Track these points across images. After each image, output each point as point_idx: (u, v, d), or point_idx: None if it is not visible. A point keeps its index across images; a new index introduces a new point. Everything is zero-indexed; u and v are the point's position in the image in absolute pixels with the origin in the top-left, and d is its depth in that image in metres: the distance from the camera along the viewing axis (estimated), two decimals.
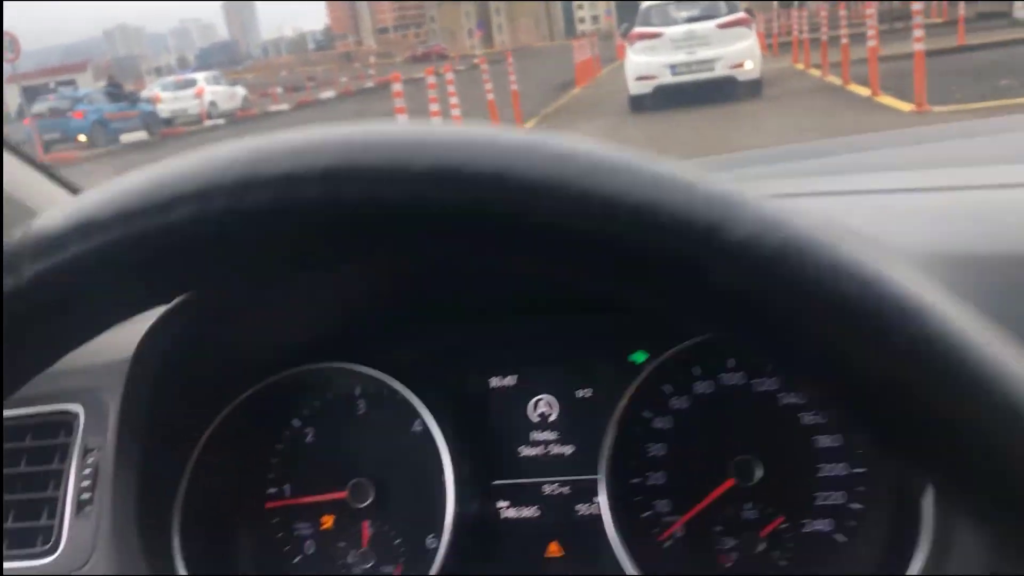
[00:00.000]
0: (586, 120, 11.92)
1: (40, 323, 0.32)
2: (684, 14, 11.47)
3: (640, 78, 11.12)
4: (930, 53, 14.38)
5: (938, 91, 9.74)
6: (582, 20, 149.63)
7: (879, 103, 9.62)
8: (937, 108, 8.42)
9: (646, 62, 11.07)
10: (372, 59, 55.35)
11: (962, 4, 18.30)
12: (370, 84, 31.86)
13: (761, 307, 0.28)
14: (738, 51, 11.01)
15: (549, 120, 12.90)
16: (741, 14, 11.44)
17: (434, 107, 9.12)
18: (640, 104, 11.29)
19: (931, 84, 10.34)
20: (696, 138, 8.68)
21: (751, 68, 11.10)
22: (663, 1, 11.98)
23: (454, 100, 9.83)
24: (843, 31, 12.57)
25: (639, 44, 11.25)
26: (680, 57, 10.94)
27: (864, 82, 10.52)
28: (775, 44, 22.53)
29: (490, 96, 11.10)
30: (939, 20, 28.00)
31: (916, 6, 8.93)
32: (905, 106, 8.90)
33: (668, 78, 11.00)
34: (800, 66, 16.04)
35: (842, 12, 12.50)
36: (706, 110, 10.35)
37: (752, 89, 11.29)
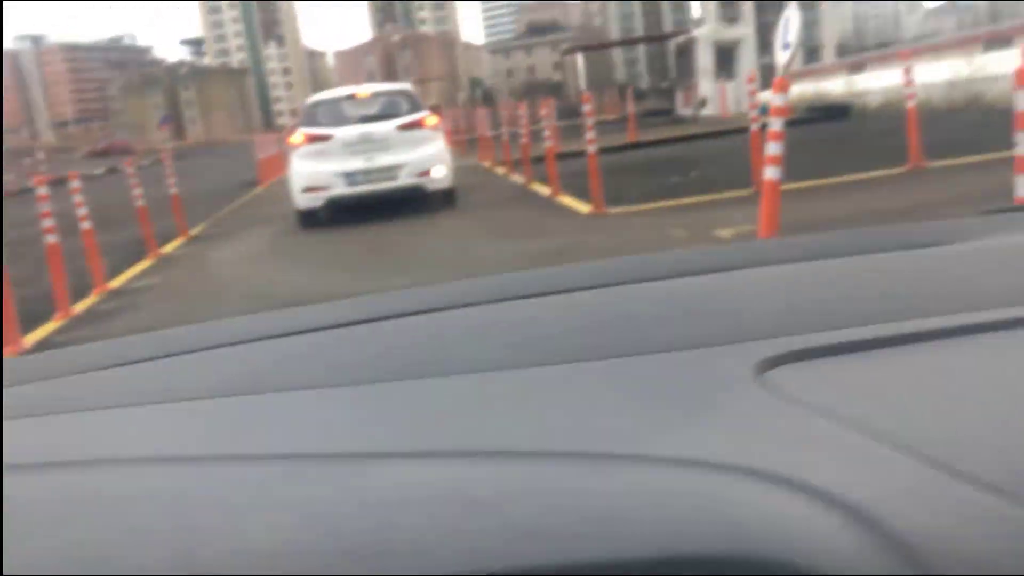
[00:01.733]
0: (252, 230, 10.42)
1: None
2: (358, 112, 10.04)
3: (308, 190, 9.40)
4: (605, 150, 15.08)
5: (615, 189, 9.76)
6: (280, 113, 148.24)
7: (559, 204, 9.38)
8: (613, 209, 8.23)
9: (314, 171, 9.41)
10: (41, 155, 49.70)
11: (632, 104, 19.52)
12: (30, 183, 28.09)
13: None
14: (425, 156, 9.62)
15: (220, 225, 11.45)
16: (425, 113, 10.13)
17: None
18: (311, 219, 9.55)
19: (610, 181, 10.45)
20: (368, 258, 7.74)
21: (442, 176, 9.71)
22: (332, 96, 10.56)
23: (83, 211, 8.06)
24: (523, 130, 12.55)
25: (305, 149, 9.55)
26: (356, 164, 9.40)
27: (547, 181, 10.34)
28: (463, 141, 22.91)
29: (139, 203, 9.32)
30: (612, 117, 30.35)
31: (587, 107, 8.75)
32: (584, 207, 8.66)
33: (342, 189, 9.38)
34: (487, 164, 16.09)
35: (521, 112, 12.47)
36: (387, 225, 9.10)
37: (444, 198, 9.95)
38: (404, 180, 9.51)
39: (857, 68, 46.05)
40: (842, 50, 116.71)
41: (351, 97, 10.19)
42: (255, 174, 20.03)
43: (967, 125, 11.70)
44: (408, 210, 9.55)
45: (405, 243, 7.96)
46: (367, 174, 9.43)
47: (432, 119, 10.06)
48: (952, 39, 45.72)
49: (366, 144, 9.47)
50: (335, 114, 9.96)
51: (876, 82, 26.66)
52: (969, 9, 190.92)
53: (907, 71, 8.65)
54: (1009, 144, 9.11)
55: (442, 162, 9.78)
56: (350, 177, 9.38)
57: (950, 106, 15.70)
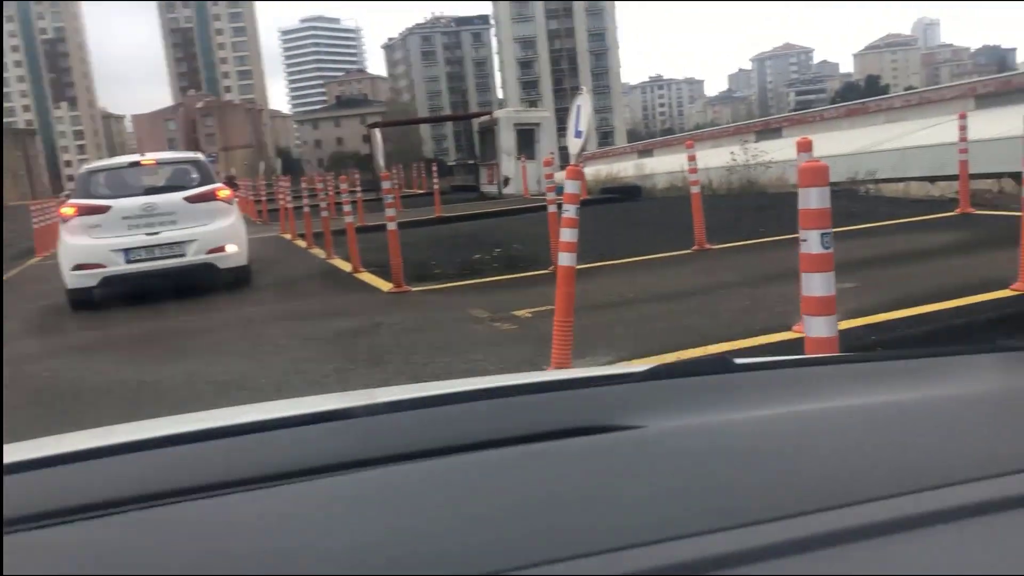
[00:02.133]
0: (13, 312, 9.30)
1: None
2: (141, 182, 9.25)
3: (79, 267, 8.40)
4: (412, 224, 15.03)
5: (419, 265, 9.64)
6: (70, 178, 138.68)
7: (359, 281, 9.11)
8: (415, 288, 8.08)
9: (87, 246, 8.44)
10: None
11: (437, 179, 19.69)
12: None
13: None
14: (217, 232, 8.87)
15: None
16: (218, 184, 9.44)
17: None
18: (83, 300, 8.51)
19: (414, 257, 10.32)
20: (141, 345, 7.12)
21: (235, 252, 8.97)
22: (111, 163, 9.65)
23: None
24: (323, 202, 12.24)
25: (77, 221, 8.57)
26: (137, 239, 8.55)
27: (348, 256, 10.05)
28: (264, 211, 22.18)
29: None
30: (420, 191, 30.55)
31: (386, 185, 8.61)
32: (385, 284, 8.45)
33: (120, 267, 8.47)
34: (287, 236, 15.57)
35: (318, 186, 12.17)
36: (171, 306, 8.25)
37: (239, 276, 9.20)
38: (193, 257, 8.76)
39: (646, 152, 49.38)
40: (632, 135, 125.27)
41: (134, 165, 9.39)
42: (32, 243, 18.33)
43: (744, 209, 12.61)
44: (197, 290, 8.92)
45: (188, 326, 7.38)
46: (149, 250, 8.63)
47: (225, 191, 9.46)
48: (729, 128, 50.10)
49: (149, 217, 8.69)
50: (115, 183, 9.12)
51: (662, 165, 28.54)
52: (743, 101, 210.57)
53: (691, 158, 9.19)
54: (781, 229, 9.90)
55: (236, 238, 9.13)
56: (129, 254, 8.55)
57: (729, 189, 16.97)
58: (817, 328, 2.81)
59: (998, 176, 17.07)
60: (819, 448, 0.80)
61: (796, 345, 4.64)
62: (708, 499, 0.69)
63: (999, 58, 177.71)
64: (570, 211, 4.22)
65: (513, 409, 0.99)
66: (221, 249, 8.92)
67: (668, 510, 0.67)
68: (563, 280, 4.33)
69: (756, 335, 4.85)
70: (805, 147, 4.59)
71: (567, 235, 4.25)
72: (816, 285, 2.80)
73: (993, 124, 10.03)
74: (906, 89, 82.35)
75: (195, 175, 9.45)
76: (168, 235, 8.73)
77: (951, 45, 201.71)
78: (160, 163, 9.79)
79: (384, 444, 0.86)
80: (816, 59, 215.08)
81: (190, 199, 8.98)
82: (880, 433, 0.84)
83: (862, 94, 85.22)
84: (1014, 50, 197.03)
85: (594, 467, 0.78)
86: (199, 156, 10.19)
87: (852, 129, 34.78)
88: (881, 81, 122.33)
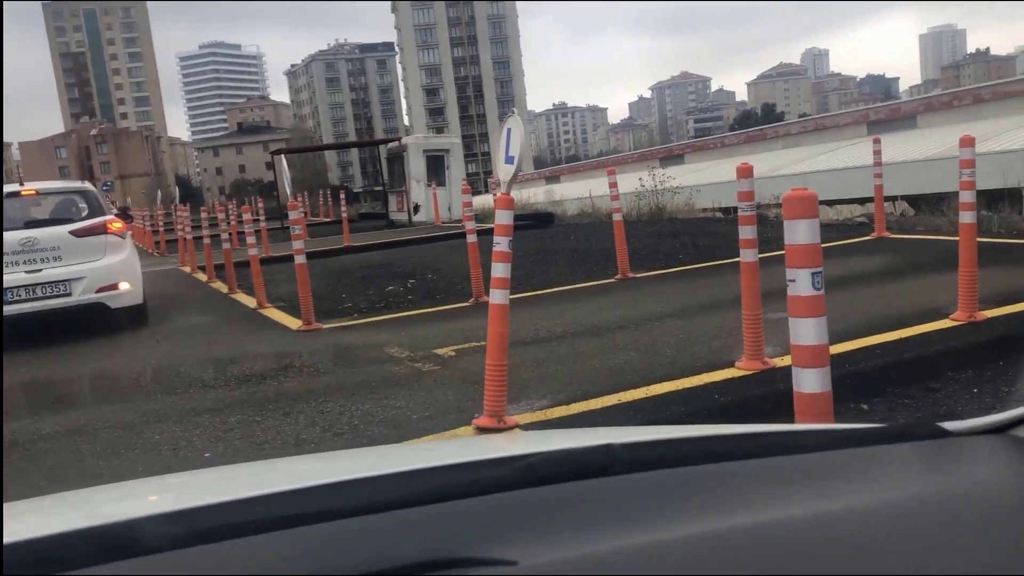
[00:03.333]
0: None
1: None
2: (21, 215, 8.39)
3: None
4: (320, 255, 14.42)
5: (330, 299, 9.12)
6: None
7: (265, 318, 8.51)
8: (326, 324, 7.56)
9: None
10: None
11: (345, 207, 19.07)
12: None
13: None
14: (108, 268, 8.10)
15: None
16: (109, 216, 8.60)
17: None
18: None
19: (324, 290, 9.77)
20: (14, 395, 6.38)
21: (129, 290, 8.23)
22: None
23: None
24: (224, 232, 11.56)
25: None
26: (15, 278, 7.75)
27: (252, 290, 9.43)
28: (162, 242, 21.11)
29: None
30: (328, 220, 29.77)
31: (293, 215, 8.08)
32: (293, 321, 7.89)
33: None
34: (187, 268, 14.73)
35: (219, 215, 11.48)
36: (50, 351, 7.56)
37: (133, 316, 8.42)
38: (80, 297, 7.97)
39: (553, 178, 49.78)
40: (538, 162, 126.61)
41: (12, 195, 8.55)
42: None
43: (659, 235, 12.53)
44: (85, 331, 8.16)
45: (73, 374, 6.67)
46: (30, 290, 7.81)
47: (117, 223, 8.70)
48: (633, 154, 50.99)
49: (29, 253, 7.87)
50: None
51: (571, 191, 28.68)
52: (644, 128, 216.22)
53: (612, 185, 8.97)
54: (699, 256, 9.80)
55: (129, 274, 8.38)
56: (7, 293, 7.70)
57: (639, 215, 16.97)
58: (809, 383, 2.50)
59: (893, 199, 17.66)
60: None
61: (741, 383, 4.38)
62: None
63: (884, 87, 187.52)
64: (502, 244, 3.85)
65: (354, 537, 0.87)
66: (113, 287, 8.16)
67: None
68: (495, 319, 3.95)
69: (698, 373, 4.57)
70: (745, 173, 4.35)
71: (499, 270, 3.88)
72: (807, 332, 2.50)
73: (885, 149, 10.30)
74: (800, 116, 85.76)
75: (84, 207, 8.65)
76: (51, 272, 7.92)
77: (839, 74, 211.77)
78: (41, 193, 8.96)
79: None
80: (713, 87, 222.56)
81: (77, 232, 8.18)
82: (794, 558, 0.79)
83: (759, 121, 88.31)
84: (897, 79, 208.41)
85: None
86: (87, 186, 9.37)
87: (752, 155, 35.81)
88: (776, 109, 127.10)
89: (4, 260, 7.81)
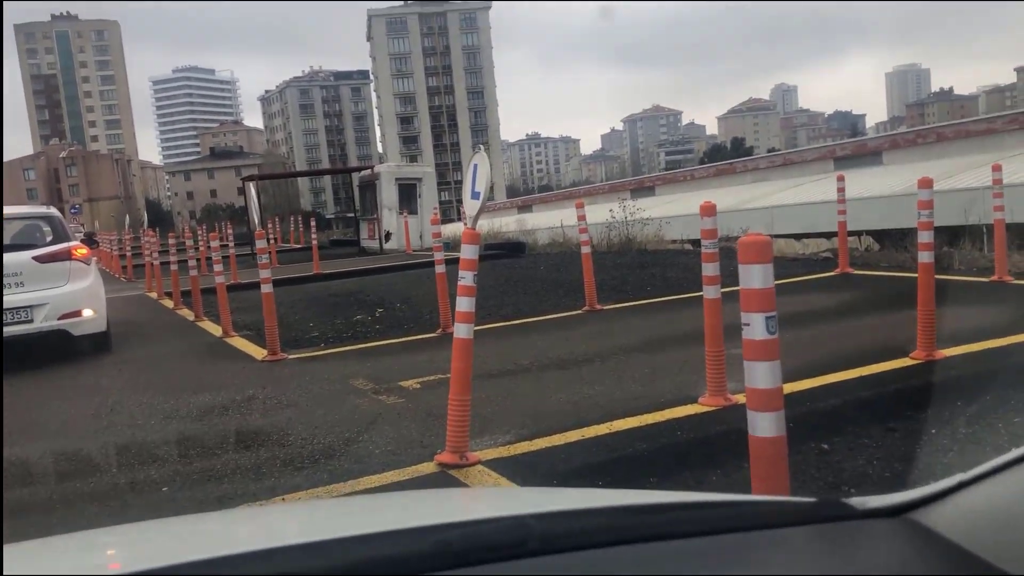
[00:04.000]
0: None
1: None
2: None
3: None
4: (289, 282, 14.34)
5: (296, 328, 9.04)
6: None
7: (231, 347, 8.42)
8: (292, 355, 7.50)
9: None
10: None
11: (315, 234, 18.99)
12: None
13: None
14: (71, 295, 8.02)
15: None
16: (75, 242, 8.53)
17: None
18: None
19: (292, 318, 9.70)
20: None
21: (92, 317, 8.16)
22: None
23: None
24: (192, 259, 11.46)
25: None
26: None
27: (219, 319, 9.34)
28: (129, 267, 20.84)
29: None
30: (298, 246, 29.62)
31: (260, 244, 8.03)
32: (258, 351, 7.81)
33: None
34: (153, 295, 14.55)
35: (187, 241, 11.39)
36: (15, 380, 7.25)
37: (97, 343, 8.36)
38: (42, 324, 7.88)
39: (525, 207, 49.96)
40: (511, 191, 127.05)
41: None
42: None
43: (627, 267, 12.60)
44: (46, 358, 8.02)
45: (30, 403, 6.54)
46: None
47: (82, 250, 8.60)
48: (604, 185, 51.33)
49: None
50: None
51: (543, 221, 28.80)
52: (616, 160, 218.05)
53: (581, 218, 9.03)
54: (667, 289, 9.86)
55: (93, 301, 8.29)
56: None
57: (609, 246, 17.07)
58: (763, 427, 2.51)
59: (858, 234, 17.92)
60: None
61: (703, 420, 4.40)
62: None
63: (851, 123, 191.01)
64: (467, 279, 3.86)
65: None
66: (76, 314, 8.07)
67: None
68: (459, 354, 3.94)
69: (661, 408, 4.58)
70: (708, 211, 4.40)
71: (464, 304, 3.88)
72: (761, 376, 2.51)
73: (851, 185, 10.47)
74: (768, 151, 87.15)
75: (48, 232, 8.59)
76: (13, 299, 7.81)
77: (807, 110, 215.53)
78: (5, 218, 8.82)
79: None
80: (684, 121, 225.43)
81: (40, 258, 8.10)
82: None
83: (728, 155, 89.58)
84: (864, 116, 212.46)
85: None
86: (52, 211, 9.26)
87: (721, 188, 36.25)
88: (745, 143, 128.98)
89: None
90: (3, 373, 6.53)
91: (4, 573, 1.05)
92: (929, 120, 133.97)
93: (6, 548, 1.38)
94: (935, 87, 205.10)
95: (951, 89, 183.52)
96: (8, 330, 7.78)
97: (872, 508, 1.03)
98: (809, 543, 1.01)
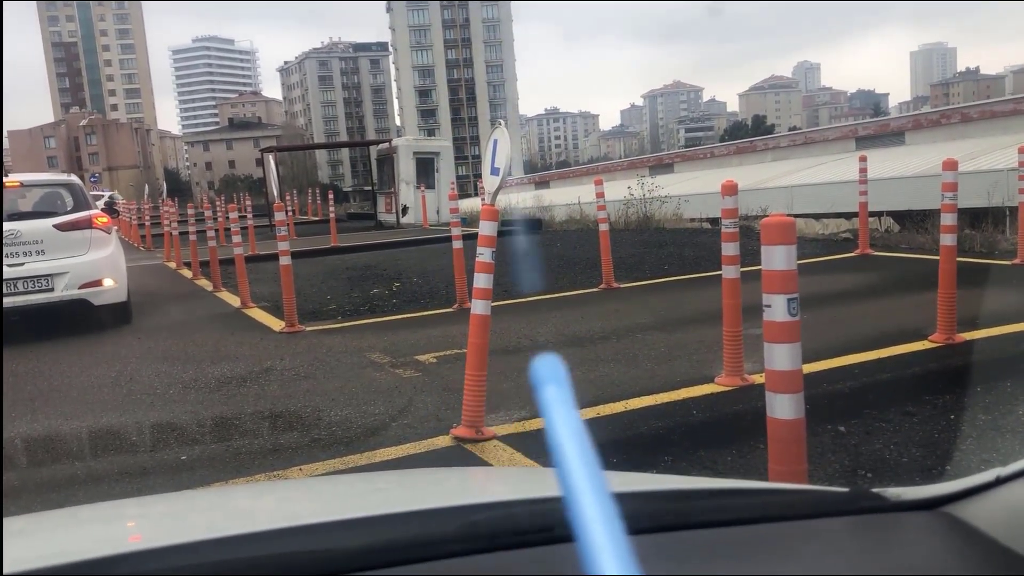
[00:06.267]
0: None
1: None
2: (4, 207, 7.99)
3: None
4: (307, 254, 14.38)
5: (314, 300, 9.10)
6: None
7: (248, 318, 8.48)
8: (309, 327, 7.54)
9: None
10: None
11: (333, 206, 19.00)
12: None
13: None
14: (92, 264, 7.97)
15: None
16: (95, 211, 8.47)
17: None
18: None
19: (309, 290, 9.74)
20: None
21: (113, 287, 8.10)
22: None
23: None
24: (211, 229, 11.51)
25: None
26: None
27: (237, 289, 9.40)
28: (148, 236, 20.96)
29: None
30: (316, 218, 29.68)
31: (279, 216, 8.04)
32: (276, 323, 7.86)
33: None
34: (172, 264, 14.65)
35: (206, 211, 11.43)
36: (29, 348, 7.39)
37: (116, 314, 8.33)
38: (63, 293, 7.86)
39: (542, 183, 49.73)
40: (529, 166, 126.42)
41: None
42: None
43: (645, 244, 12.55)
44: (66, 328, 8.10)
45: (52, 372, 6.62)
46: (11, 284, 7.68)
47: (103, 218, 8.62)
48: (623, 162, 51.00)
49: (12, 246, 7.76)
50: None
51: (560, 197, 28.67)
52: (635, 136, 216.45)
53: (599, 195, 8.99)
54: (684, 268, 9.82)
55: (114, 271, 8.25)
56: None
57: (626, 224, 16.99)
58: (782, 409, 2.50)
59: (878, 215, 17.75)
60: None
61: (719, 399, 4.39)
62: None
63: (874, 102, 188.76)
64: (485, 255, 3.85)
65: None
66: (97, 283, 8.06)
67: None
68: (476, 330, 3.95)
69: (677, 387, 4.58)
70: (730, 190, 4.37)
71: (481, 281, 3.88)
72: (781, 358, 2.50)
73: (872, 165, 10.36)
74: (790, 129, 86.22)
75: (69, 200, 8.58)
76: (34, 267, 7.84)
77: (830, 88, 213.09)
78: (26, 185, 8.86)
79: None
80: (705, 97, 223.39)
81: (61, 226, 8.10)
82: None
83: (749, 133, 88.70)
84: (887, 95, 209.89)
85: None
86: (73, 179, 9.29)
87: (741, 166, 35.93)
88: (766, 121, 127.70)
89: None
90: (2, 365, 6.48)
91: (33, 541, 1.06)
92: (954, 100, 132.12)
93: (32, 517, 1.40)
94: (961, 67, 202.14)
95: (977, 69, 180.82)
96: (29, 298, 7.84)
97: (907, 500, 1.01)
98: (843, 535, 0.99)
